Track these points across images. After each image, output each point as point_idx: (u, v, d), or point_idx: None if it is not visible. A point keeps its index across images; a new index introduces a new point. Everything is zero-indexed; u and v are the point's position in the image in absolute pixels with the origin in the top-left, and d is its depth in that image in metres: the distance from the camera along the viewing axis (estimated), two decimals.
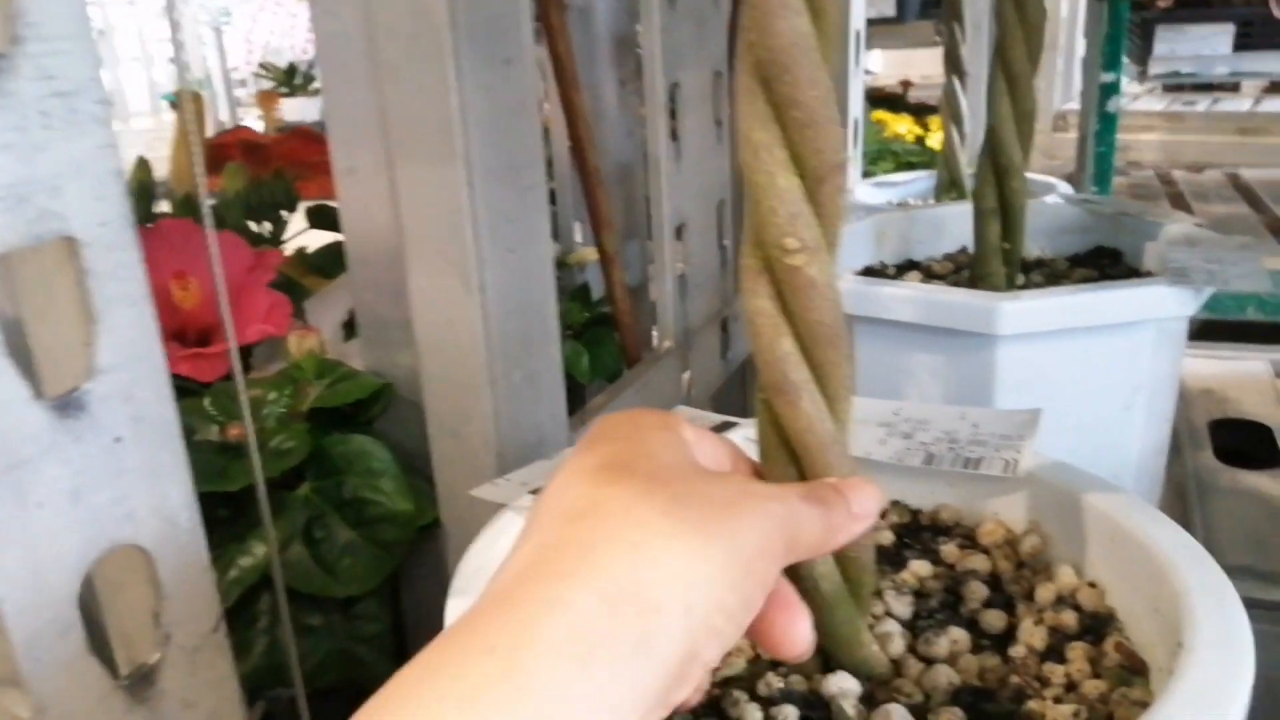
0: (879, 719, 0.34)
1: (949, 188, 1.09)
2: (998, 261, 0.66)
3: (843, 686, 0.35)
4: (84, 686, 0.35)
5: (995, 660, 0.37)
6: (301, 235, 0.90)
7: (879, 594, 0.40)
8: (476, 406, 0.56)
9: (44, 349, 0.33)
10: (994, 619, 0.39)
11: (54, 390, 0.33)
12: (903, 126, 2.09)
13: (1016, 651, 0.37)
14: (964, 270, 0.74)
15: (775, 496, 0.29)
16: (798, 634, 0.30)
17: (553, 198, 0.99)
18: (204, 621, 0.40)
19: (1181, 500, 0.82)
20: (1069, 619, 0.38)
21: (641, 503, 0.25)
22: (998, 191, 0.65)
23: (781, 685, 0.35)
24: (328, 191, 0.62)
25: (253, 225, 0.88)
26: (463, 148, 0.51)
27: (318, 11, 0.56)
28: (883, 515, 0.46)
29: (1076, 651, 0.36)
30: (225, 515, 0.58)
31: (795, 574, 0.33)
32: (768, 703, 0.35)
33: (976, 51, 1.35)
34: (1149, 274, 0.68)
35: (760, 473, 0.35)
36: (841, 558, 0.35)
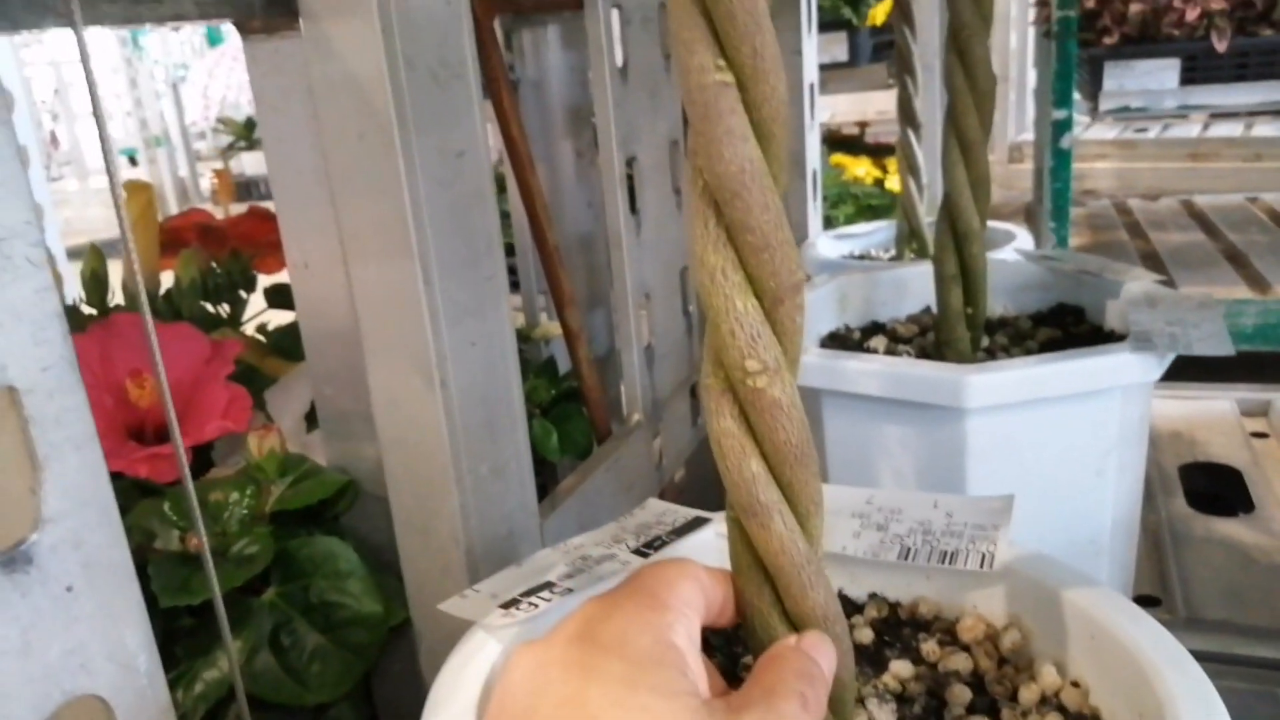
0: None
1: (909, 238, 1.09)
2: (962, 327, 0.66)
3: None
4: None
5: None
6: (261, 315, 0.89)
7: (861, 701, 0.39)
8: (443, 503, 0.55)
9: None
10: None
11: None
12: (861, 169, 2.11)
13: None
14: (929, 333, 0.74)
15: None
16: None
17: (514, 270, 0.99)
18: None
19: (1157, 550, 0.82)
20: None
21: None
22: (958, 257, 0.66)
23: None
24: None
25: (210, 307, 0.86)
26: (418, 243, 0.50)
27: (264, 108, 0.56)
28: (861, 609, 0.46)
29: None
30: (190, 625, 0.56)
31: None
32: None
33: (929, 99, 1.37)
34: (1112, 332, 0.68)
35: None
36: None
